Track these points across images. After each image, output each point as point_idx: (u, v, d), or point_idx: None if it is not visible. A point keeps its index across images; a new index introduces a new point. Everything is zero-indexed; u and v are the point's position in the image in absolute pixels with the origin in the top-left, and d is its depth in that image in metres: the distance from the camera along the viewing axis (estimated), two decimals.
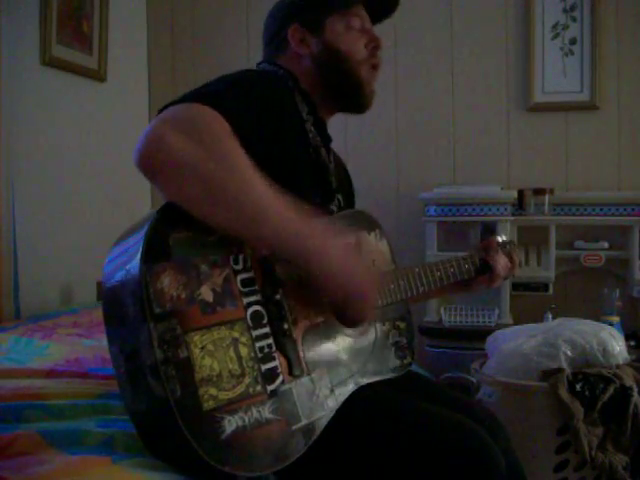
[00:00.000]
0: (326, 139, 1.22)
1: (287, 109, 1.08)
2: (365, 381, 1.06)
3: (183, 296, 0.83)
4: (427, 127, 2.80)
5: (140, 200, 2.74)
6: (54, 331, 1.76)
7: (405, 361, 1.17)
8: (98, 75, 2.59)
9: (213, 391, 0.82)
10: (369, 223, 1.18)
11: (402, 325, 1.19)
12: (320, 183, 1.16)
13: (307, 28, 1.19)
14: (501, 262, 1.34)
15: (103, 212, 2.55)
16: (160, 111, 0.92)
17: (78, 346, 1.59)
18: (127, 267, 0.84)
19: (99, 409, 1.06)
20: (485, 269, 1.33)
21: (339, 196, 1.22)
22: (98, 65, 2.58)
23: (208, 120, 0.88)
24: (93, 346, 1.57)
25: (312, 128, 1.15)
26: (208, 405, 0.81)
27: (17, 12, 2.18)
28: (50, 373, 1.33)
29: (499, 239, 1.41)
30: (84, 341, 1.66)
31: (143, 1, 3.01)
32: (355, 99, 1.22)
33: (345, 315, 1.00)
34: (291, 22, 1.19)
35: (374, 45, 1.22)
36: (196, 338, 0.83)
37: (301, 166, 1.10)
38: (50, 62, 2.31)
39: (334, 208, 1.19)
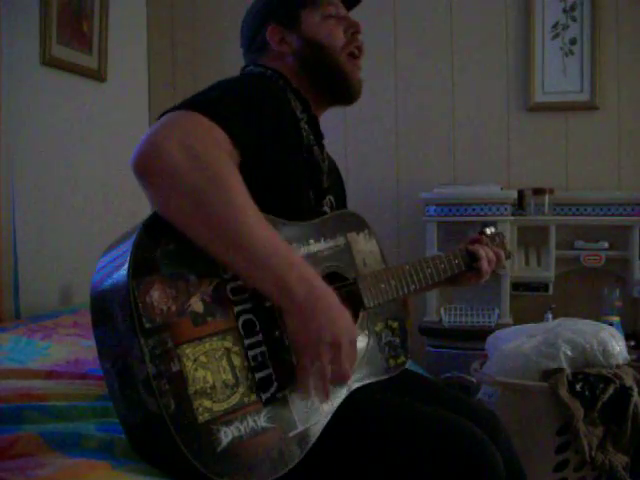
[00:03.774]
0: (319, 136, 1.21)
1: (282, 110, 1.08)
2: (360, 383, 1.06)
3: (173, 309, 0.82)
4: (427, 127, 2.80)
5: (140, 200, 2.73)
6: (54, 331, 1.76)
7: (399, 360, 1.17)
8: (98, 75, 2.58)
9: (207, 403, 0.81)
10: (358, 223, 1.18)
11: (395, 324, 1.18)
12: (312, 183, 1.16)
13: (284, 26, 1.18)
14: (487, 256, 1.32)
15: (103, 212, 2.55)
16: (159, 117, 0.92)
17: (78, 347, 1.59)
18: (115, 281, 0.82)
19: (99, 412, 1.06)
20: (472, 264, 1.32)
21: (330, 197, 1.21)
22: (98, 65, 2.58)
23: (204, 133, 0.88)
24: (93, 347, 1.55)
25: (306, 126, 1.15)
26: (203, 417, 0.80)
27: (17, 12, 2.17)
28: (50, 374, 1.33)
29: (487, 231, 1.41)
30: (84, 342, 1.66)
31: (143, 1, 3.00)
32: (342, 90, 1.21)
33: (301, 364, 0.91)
34: (267, 23, 1.19)
35: (353, 30, 1.20)
36: (188, 351, 0.82)
37: (295, 167, 1.09)
38: (50, 62, 2.30)
39: (327, 209, 1.18)
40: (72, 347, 1.59)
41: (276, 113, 1.04)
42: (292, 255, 0.88)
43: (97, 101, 2.60)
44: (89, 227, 2.47)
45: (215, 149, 0.87)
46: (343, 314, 0.90)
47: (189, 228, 0.84)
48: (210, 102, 0.93)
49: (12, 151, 2.11)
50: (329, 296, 0.89)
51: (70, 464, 0.83)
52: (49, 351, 1.54)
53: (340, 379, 0.91)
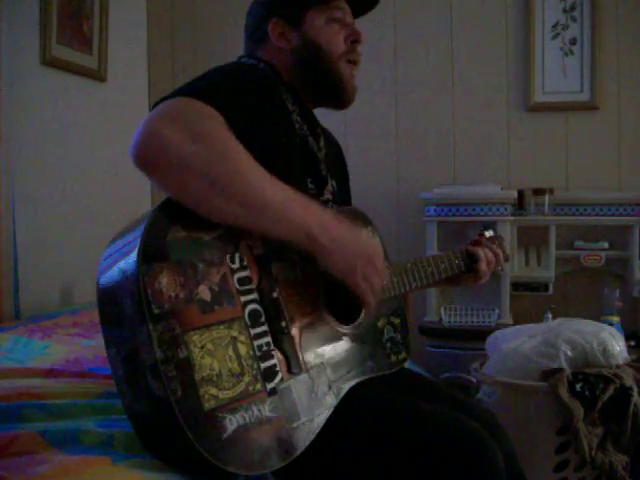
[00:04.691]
0: (314, 125, 1.22)
1: (273, 100, 1.08)
2: (362, 377, 1.07)
3: (181, 296, 0.83)
4: (427, 127, 2.81)
5: (140, 200, 2.74)
6: (54, 331, 1.76)
7: (400, 357, 1.18)
8: (98, 75, 2.58)
9: (214, 390, 0.82)
10: (362, 220, 1.19)
11: (396, 321, 1.20)
12: (311, 172, 1.17)
13: (287, 22, 1.18)
14: (486, 258, 1.34)
15: (103, 212, 2.54)
16: (155, 105, 0.92)
17: (78, 346, 1.59)
18: (124, 267, 0.83)
19: (98, 409, 1.06)
20: (471, 265, 1.33)
21: (332, 182, 1.22)
22: (98, 65, 2.58)
23: (202, 114, 0.89)
24: (93, 346, 1.57)
25: (298, 118, 1.16)
26: (209, 405, 0.81)
27: (17, 12, 2.17)
28: (50, 373, 1.33)
29: (486, 234, 1.42)
30: (84, 341, 1.66)
31: (143, 1, 3.01)
32: (336, 93, 1.22)
33: (356, 293, 1.01)
34: (271, 16, 1.19)
35: (354, 39, 1.20)
36: (195, 337, 0.83)
37: (291, 157, 1.10)
38: (50, 62, 2.30)
39: (329, 196, 1.19)
40: (72, 346, 1.59)
41: (267, 102, 1.05)
42: (308, 203, 0.93)
43: (97, 101, 2.60)
44: (89, 227, 2.47)
45: (212, 123, 0.88)
46: (363, 245, 1.00)
47: (207, 205, 0.86)
48: (203, 88, 0.94)
49: (12, 151, 2.11)
50: (346, 233, 0.97)
51: (70, 461, 0.83)
52: (48, 350, 1.54)
53: (377, 292, 1.03)
